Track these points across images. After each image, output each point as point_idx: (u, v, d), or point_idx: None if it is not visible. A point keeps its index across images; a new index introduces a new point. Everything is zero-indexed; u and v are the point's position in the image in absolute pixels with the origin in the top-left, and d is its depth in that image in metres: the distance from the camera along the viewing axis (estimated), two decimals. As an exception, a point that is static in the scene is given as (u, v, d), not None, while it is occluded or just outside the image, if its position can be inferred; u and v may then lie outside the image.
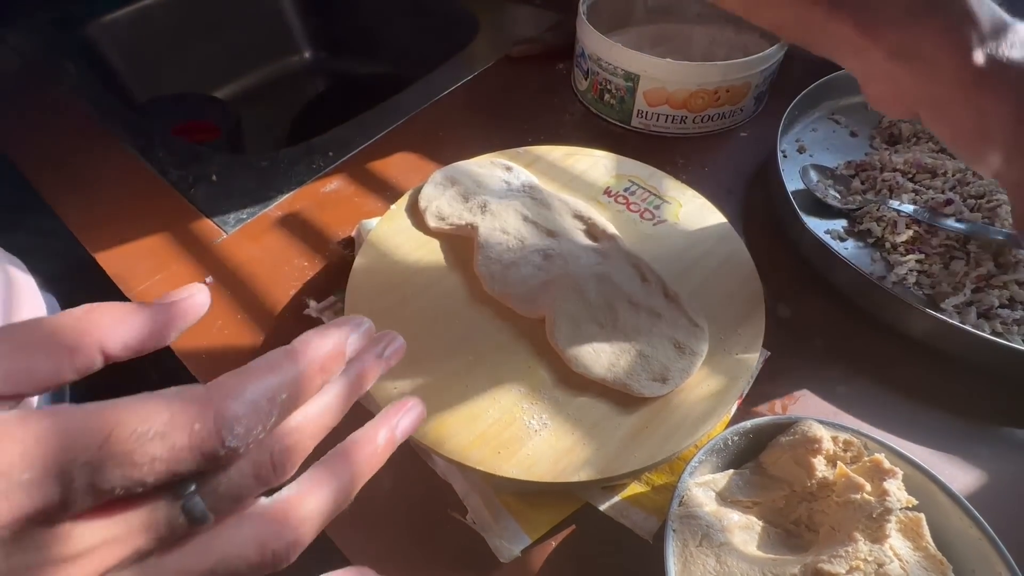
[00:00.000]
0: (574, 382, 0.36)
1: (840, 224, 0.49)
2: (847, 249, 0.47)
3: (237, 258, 0.49)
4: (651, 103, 0.55)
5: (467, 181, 0.46)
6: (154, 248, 0.50)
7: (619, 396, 0.35)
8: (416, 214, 0.45)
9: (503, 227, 0.42)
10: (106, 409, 0.15)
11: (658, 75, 0.53)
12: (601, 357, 0.36)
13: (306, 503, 0.18)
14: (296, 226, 0.51)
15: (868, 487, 0.30)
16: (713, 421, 0.34)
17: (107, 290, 0.47)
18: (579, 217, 0.43)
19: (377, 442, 0.20)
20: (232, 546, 0.17)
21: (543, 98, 0.62)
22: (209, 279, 0.47)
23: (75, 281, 0.51)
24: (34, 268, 0.47)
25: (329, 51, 0.94)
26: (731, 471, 0.33)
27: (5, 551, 0.14)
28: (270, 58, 0.92)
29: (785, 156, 0.52)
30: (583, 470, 0.32)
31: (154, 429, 0.15)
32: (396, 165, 0.56)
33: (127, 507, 0.15)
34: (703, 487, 0.32)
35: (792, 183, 0.49)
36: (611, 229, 0.42)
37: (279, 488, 0.18)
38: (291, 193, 0.54)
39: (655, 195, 0.46)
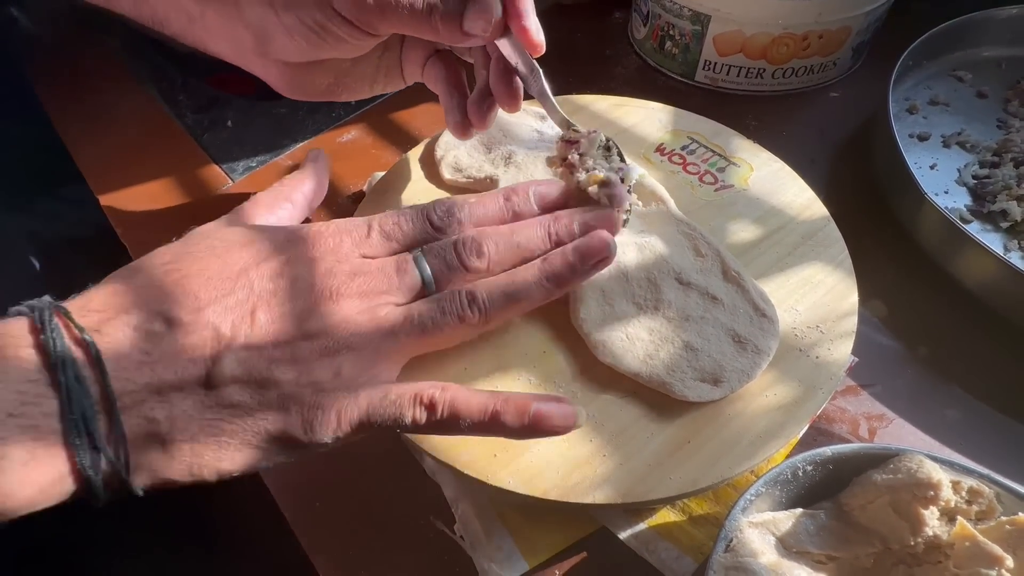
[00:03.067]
0: (598, 375, 0.27)
1: (962, 202, 0.37)
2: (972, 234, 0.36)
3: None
4: (722, 51, 0.45)
5: (492, 129, 0.37)
6: (156, 193, 0.45)
7: (655, 398, 0.27)
8: (430, 164, 0.37)
9: (528, 182, 0.34)
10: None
11: (734, 13, 0.42)
12: (636, 346, 0.27)
13: (480, 286, 0.25)
14: (306, 177, 0.45)
15: (1010, 562, 0.20)
16: (779, 442, 0.25)
17: (116, 255, 0.43)
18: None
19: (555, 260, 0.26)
20: (441, 304, 0.25)
21: (594, 50, 0.53)
22: (207, 228, 0.42)
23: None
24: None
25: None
26: (799, 511, 0.24)
27: (339, 258, 0.25)
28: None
29: (893, 116, 0.41)
30: (600, 490, 0.24)
31: (407, 207, 0.27)
32: (421, 116, 0.49)
33: (392, 256, 0.26)
34: (760, 528, 0.24)
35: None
36: (660, 190, 0.33)
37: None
38: (305, 142, 0.47)
39: (720, 155, 0.37)
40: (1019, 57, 0.46)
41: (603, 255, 0.26)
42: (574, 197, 0.29)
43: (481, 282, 0.25)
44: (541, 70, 0.30)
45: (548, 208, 0.28)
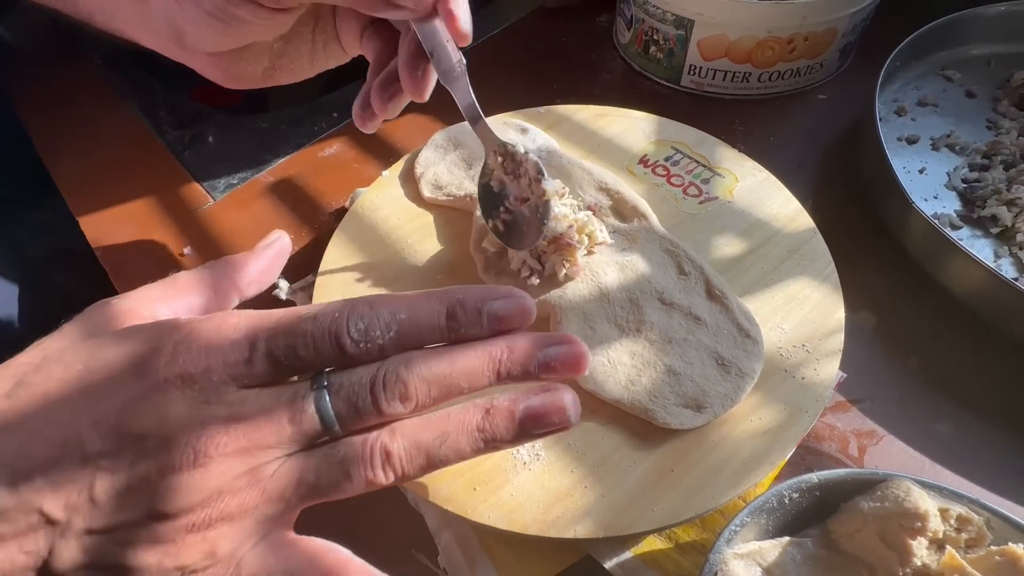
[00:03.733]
0: (581, 402, 0.26)
1: (951, 207, 0.36)
2: (961, 241, 0.35)
3: (220, 227, 0.42)
4: (707, 56, 0.44)
5: (472, 144, 0.37)
6: (136, 213, 0.44)
7: (637, 425, 0.26)
8: (410, 182, 0.36)
9: (508, 200, 0.33)
10: (287, 308, 0.20)
11: (718, 18, 0.41)
12: (618, 371, 0.27)
13: (398, 440, 0.19)
14: (287, 194, 0.44)
15: (1000, 596, 0.20)
16: (765, 468, 0.25)
17: (96, 275, 0.42)
18: (604, 190, 0.33)
19: (502, 411, 0.20)
20: (343, 454, 0.19)
21: (579, 55, 0.52)
22: (187, 250, 0.41)
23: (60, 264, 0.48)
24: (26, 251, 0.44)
25: (362, 13, 0.86)
26: (785, 539, 0.24)
27: (205, 397, 0.18)
28: (301, 20, 0.85)
29: (880, 119, 0.40)
30: (581, 523, 0.23)
31: (311, 314, 0.20)
32: (404, 128, 0.47)
33: (280, 384, 0.19)
34: (745, 560, 0.23)
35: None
36: (642, 206, 0.32)
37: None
38: (287, 157, 0.46)
39: (704, 166, 0.36)
40: (1008, 54, 0.44)
41: (561, 426, 0.20)
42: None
43: (400, 432, 0.19)
44: (467, 76, 0.26)
45: (503, 331, 0.21)
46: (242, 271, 0.24)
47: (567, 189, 0.31)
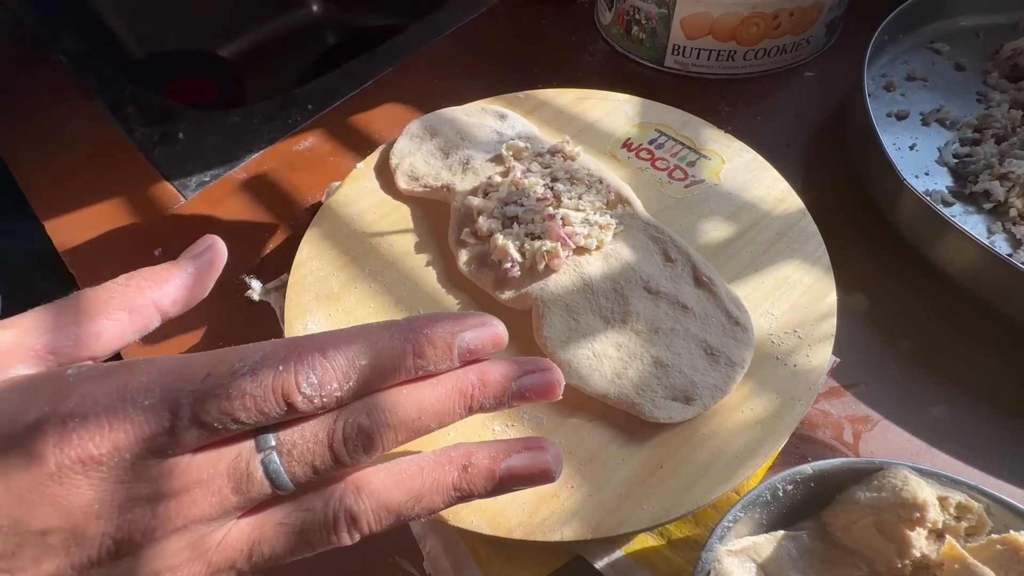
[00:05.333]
0: (564, 398, 0.25)
1: (943, 184, 0.35)
2: (954, 217, 0.34)
3: (193, 227, 0.41)
4: (690, 35, 0.42)
5: (449, 132, 0.35)
6: (104, 215, 0.42)
7: (625, 419, 0.25)
8: (386, 173, 0.35)
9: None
10: (214, 352, 0.16)
11: (700, -5, 0.40)
12: (603, 364, 0.25)
13: (364, 500, 0.17)
14: (261, 190, 0.42)
15: (1002, 587, 0.19)
16: (757, 460, 0.24)
17: (65, 282, 0.40)
18: (587, 176, 0.32)
19: (479, 464, 0.18)
20: (298, 517, 0.16)
21: (560, 37, 0.50)
22: (158, 251, 0.39)
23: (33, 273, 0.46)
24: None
25: (339, 3, 0.84)
26: (781, 533, 0.23)
27: (119, 477, 0.15)
28: (277, 12, 0.82)
29: (869, 95, 0.39)
30: (568, 525, 0.22)
31: (247, 366, 0.16)
32: (381, 118, 0.46)
33: (217, 447, 0.16)
34: (739, 556, 0.22)
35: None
36: (626, 191, 0.31)
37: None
38: (260, 152, 0.45)
39: (690, 148, 0.34)
40: (997, 25, 0.43)
41: (544, 479, 0.18)
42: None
43: (366, 491, 0.17)
44: None
45: (474, 363, 0.19)
46: (162, 285, 0.20)
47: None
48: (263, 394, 0.15)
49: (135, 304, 0.19)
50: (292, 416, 0.16)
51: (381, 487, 0.17)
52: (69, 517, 0.14)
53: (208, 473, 0.15)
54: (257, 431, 0.16)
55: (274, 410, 0.16)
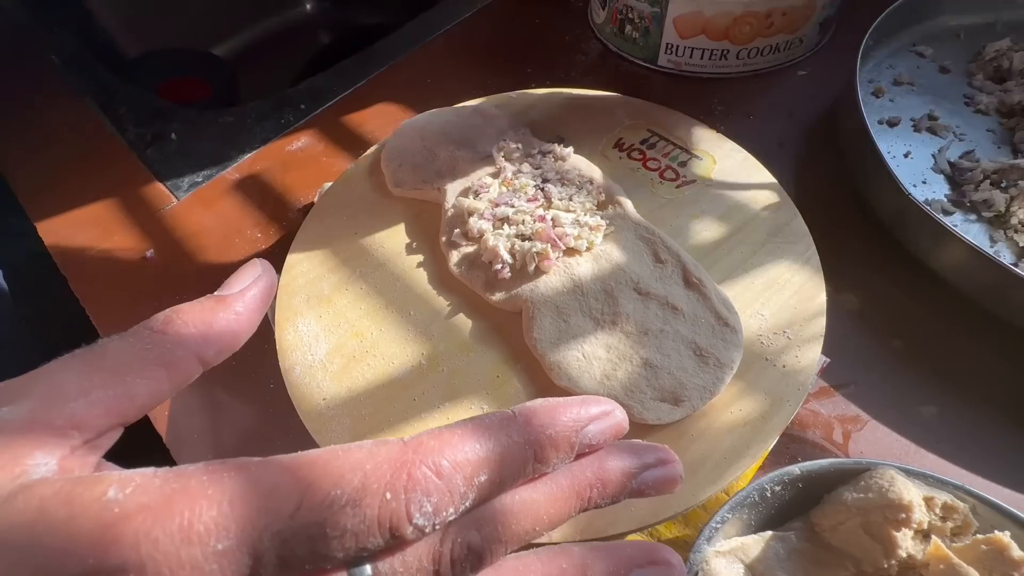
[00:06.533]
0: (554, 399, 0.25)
1: (941, 192, 0.35)
2: (955, 226, 0.33)
3: (184, 228, 0.41)
4: (683, 34, 0.42)
5: (440, 133, 0.35)
6: (96, 215, 0.42)
7: (614, 421, 0.25)
8: (378, 174, 0.35)
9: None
10: (301, 466, 0.13)
11: (692, -6, 0.40)
12: (593, 365, 0.25)
13: None
14: (254, 191, 0.42)
15: (986, 588, 0.19)
16: (745, 461, 0.24)
17: (56, 282, 0.40)
18: (577, 176, 0.32)
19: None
20: None
21: (553, 37, 0.50)
22: (150, 252, 0.39)
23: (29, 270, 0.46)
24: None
25: (332, 1, 0.83)
26: (769, 534, 0.23)
27: None
28: (271, 11, 0.82)
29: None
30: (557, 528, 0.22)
31: (347, 495, 0.13)
32: (374, 118, 0.46)
33: None
34: (727, 557, 0.22)
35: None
36: (617, 192, 0.31)
37: None
38: (253, 153, 0.45)
39: (681, 148, 0.34)
40: (976, 25, 0.43)
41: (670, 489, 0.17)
42: None
43: None
44: None
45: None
46: (206, 332, 0.16)
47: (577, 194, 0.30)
48: (368, 529, 0.13)
49: (174, 357, 0.16)
50: (396, 544, 0.14)
51: None
52: None
53: None
54: (352, 565, 0.13)
55: (378, 544, 0.13)
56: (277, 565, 0.12)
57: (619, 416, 0.17)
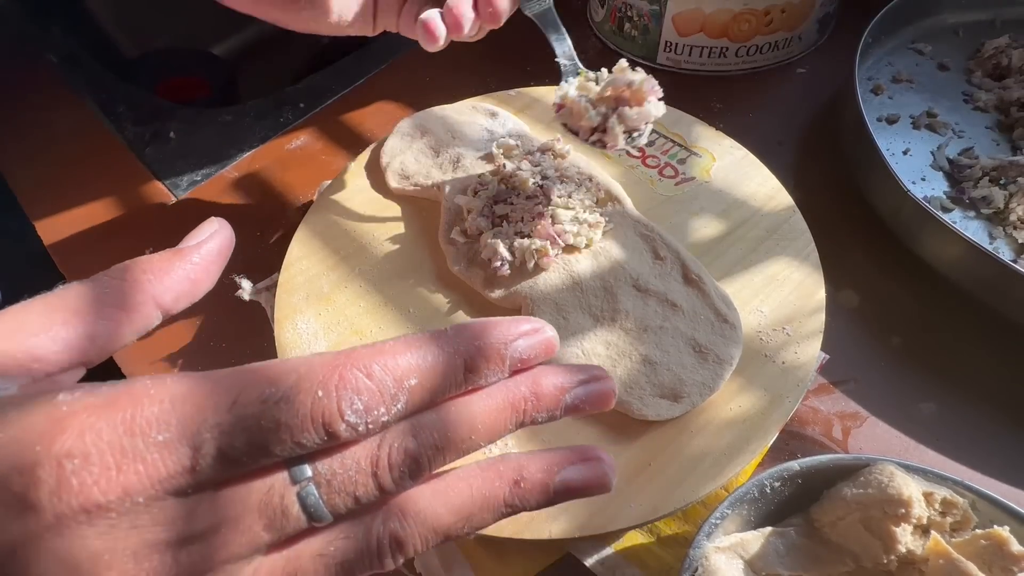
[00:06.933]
0: (554, 396, 0.25)
1: (940, 189, 0.35)
2: (954, 223, 0.33)
3: (184, 227, 0.40)
4: (682, 31, 0.42)
5: (440, 131, 0.35)
6: (95, 215, 0.42)
7: (614, 418, 0.25)
8: (377, 172, 0.35)
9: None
10: (239, 371, 0.14)
11: (691, -9, 0.40)
12: (592, 363, 0.25)
13: (411, 525, 0.15)
14: (253, 189, 0.42)
15: (985, 582, 0.19)
16: (745, 458, 0.24)
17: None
18: (577, 174, 0.32)
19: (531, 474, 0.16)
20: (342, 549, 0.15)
21: (553, 34, 0.50)
22: (150, 251, 0.39)
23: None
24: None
25: (332, -1, 0.83)
26: (768, 529, 0.23)
27: (132, 522, 0.13)
28: (270, 9, 0.82)
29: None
30: (556, 523, 0.23)
31: (281, 392, 0.14)
32: (373, 116, 0.46)
33: (244, 482, 0.14)
34: (727, 553, 0.22)
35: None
36: (616, 189, 0.31)
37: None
38: (252, 151, 0.45)
39: (680, 146, 0.34)
40: (975, 22, 0.43)
41: (600, 490, 0.17)
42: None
43: (412, 516, 0.15)
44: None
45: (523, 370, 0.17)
46: (163, 278, 0.17)
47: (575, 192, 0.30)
48: (300, 424, 0.14)
49: (133, 301, 0.17)
50: (332, 444, 0.14)
51: (428, 508, 0.16)
52: (74, 570, 0.12)
53: (236, 511, 0.14)
54: (289, 460, 0.14)
55: (313, 441, 0.14)
56: (216, 456, 0.13)
57: (549, 334, 0.17)
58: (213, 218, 0.19)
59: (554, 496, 0.17)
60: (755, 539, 0.23)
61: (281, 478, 0.14)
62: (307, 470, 0.14)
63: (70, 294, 0.16)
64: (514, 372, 0.17)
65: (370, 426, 0.14)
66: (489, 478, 0.16)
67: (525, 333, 0.17)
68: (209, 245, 0.19)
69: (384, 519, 0.15)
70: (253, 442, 0.13)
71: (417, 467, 0.15)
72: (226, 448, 0.13)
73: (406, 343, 0.15)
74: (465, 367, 0.16)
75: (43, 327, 0.15)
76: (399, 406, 0.15)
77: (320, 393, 0.14)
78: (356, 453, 0.15)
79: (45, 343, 0.15)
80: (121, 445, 0.13)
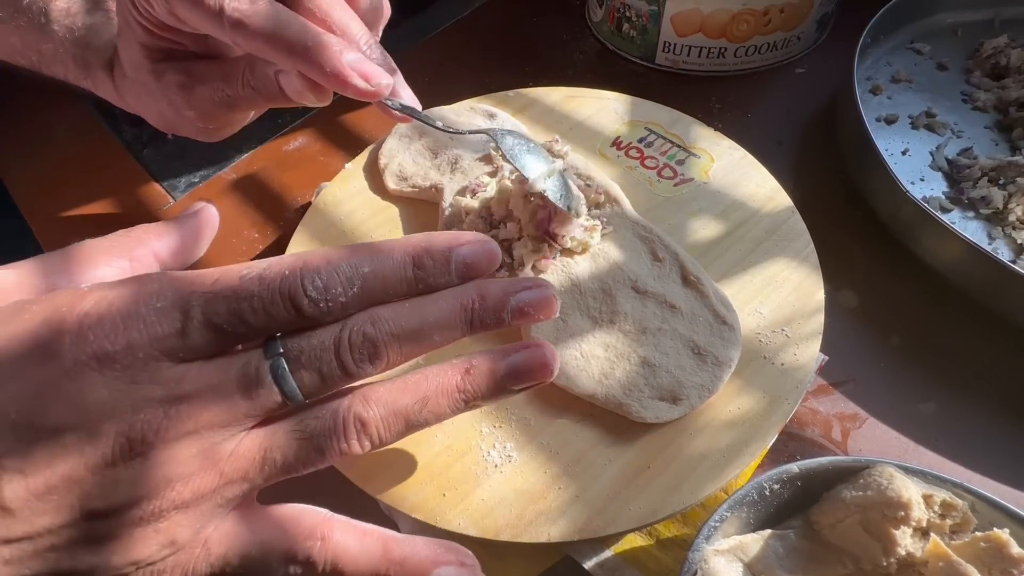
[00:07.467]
0: (552, 399, 0.25)
1: (939, 189, 0.35)
2: (953, 224, 0.33)
3: (182, 228, 0.40)
4: (681, 32, 0.42)
5: (436, 132, 0.35)
6: (92, 216, 0.42)
7: (613, 420, 0.25)
8: (375, 173, 0.35)
9: (475, 189, 0.32)
10: (221, 267, 0.17)
11: (690, -9, 0.40)
12: (591, 365, 0.25)
13: (373, 407, 0.18)
14: (251, 191, 0.42)
15: (985, 585, 0.19)
16: (744, 460, 0.24)
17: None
18: (575, 175, 0.32)
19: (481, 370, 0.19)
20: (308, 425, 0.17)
21: (550, 35, 0.50)
22: (147, 253, 0.39)
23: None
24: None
25: None
26: (767, 532, 0.23)
27: (132, 377, 0.15)
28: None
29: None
30: (555, 526, 0.22)
31: (254, 273, 0.17)
32: (371, 117, 0.46)
33: (228, 356, 0.17)
34: (726, 556, 0.22)
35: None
36: (614, 190, 0.31)
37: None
38: (250, 152, 0.45)
39: (679, 146, 0.34)
40: (974, 22, 0.43)
41: (543, 379, 0.19)
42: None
43: (374, 399, 0.18)
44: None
45: (471, 279, 0.20)
46: (163, 239, 0.21)
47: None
48: (270, 296, 0.17)
49: (135, 253, 0.20)
50: (300, 324, 0.17)
51: (388, 394, 0.18)
52: (84, 414, 0.15)
53: (219, 378, 0.16)
54: (267, 340, 0.17)
55: (281, 313, 0.17)
56: (202, 322, 0.16)
57: (492, 246, 0.20)
58: (199, 201, 0.23)
59: (501, 380, 0.19)
60: (754, 541, 0.22)
61: (257, 353, 0.17)
62: (279, 346, 0.17)
63: (84, 246, 0.20)
64: (463, 281, 0.19)
65: (329, 304, 0.17)
66: (442, 369, 0.19)
67: (469, 241, 0.19)
68: (198, 218, 0.22)
69: (350, 403, 0.18)
70: (232, 310, 0.16)
71: (375, 351, 0.18)
72: (210, 314, 0.16)
73: (360, 245, 0.18)
74: (413, 263, 0.18)
75: (59, 270, 0.19)
76: (354, 289, 0.17)
77: (287, 272, 0.17)
78: (321, 334, 0.17)
79: (60, 282, 0.19)
80: (127, 310, 0.16)
